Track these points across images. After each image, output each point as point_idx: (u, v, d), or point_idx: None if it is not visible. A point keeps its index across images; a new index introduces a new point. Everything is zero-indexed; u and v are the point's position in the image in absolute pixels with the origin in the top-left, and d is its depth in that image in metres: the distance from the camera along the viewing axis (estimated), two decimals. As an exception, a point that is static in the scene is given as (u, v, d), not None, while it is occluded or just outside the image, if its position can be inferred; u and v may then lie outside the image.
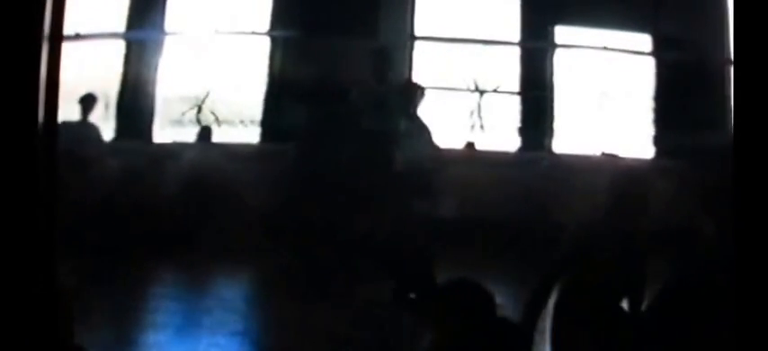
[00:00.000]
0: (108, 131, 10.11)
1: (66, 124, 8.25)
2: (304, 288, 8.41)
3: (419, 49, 10.70)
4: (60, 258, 2.95)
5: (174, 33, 10.46)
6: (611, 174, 10.31)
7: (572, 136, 10.73)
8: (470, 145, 10.61)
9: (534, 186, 10.30)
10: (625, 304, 5.32)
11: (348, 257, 9.02)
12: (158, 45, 10.37)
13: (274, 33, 10.52)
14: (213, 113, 10.34)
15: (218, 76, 10.43)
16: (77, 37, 9.91)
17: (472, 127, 10.63)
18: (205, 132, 10.29)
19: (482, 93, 10.64)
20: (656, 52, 10.78)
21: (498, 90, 10.69)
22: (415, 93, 9.47)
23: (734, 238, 2.86)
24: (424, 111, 9.63)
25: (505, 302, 9.08)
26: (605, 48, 10.76)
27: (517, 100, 10.72)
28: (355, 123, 9.47)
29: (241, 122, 10.48)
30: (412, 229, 9.62)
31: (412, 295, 8.43)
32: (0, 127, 2.79)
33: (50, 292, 2.94)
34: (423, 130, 9.51)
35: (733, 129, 2.88)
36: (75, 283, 7.33)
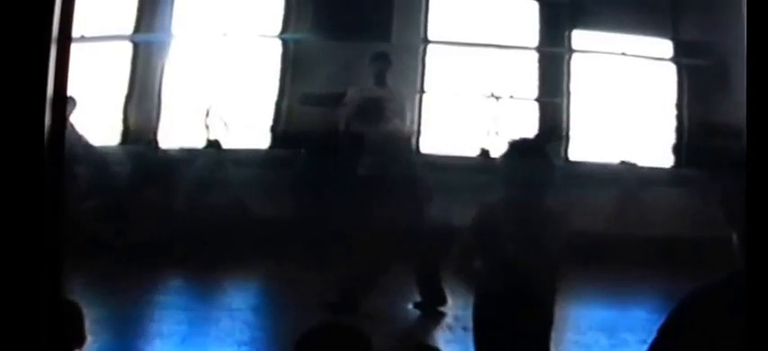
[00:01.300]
0: (115, 136, 10.05)
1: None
2: (313, 296, 8.33)
3: (433, 54, 10.62)
4: (66, 265, 2.89)
5: (182, 36, 10.39)
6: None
7: (589, 143, 10.64)
8: (485, 152, 10.50)
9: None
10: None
11: (358, 265, 8.97)
12: (166, 48, 10.31)
13: (285, 37, 10.44)
14: (222, 118, 10.27)
15: (228, 80, 10.36)
16: (83, 39, 9.83)
17: (487, 133, 10.53)
18: (213, 137, 10.22)
19: (497, 98, 10.54)
20: (675, 58, 10.69)
21: (514, 96, 10.60)
22: (385, 63, 9.51)
23: (746, 246, 2.81)
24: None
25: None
26: (623, 53, 10.66)
27: (533, 106, 10.62)
28: (355, 129, 9.49)
29: (250, 127, 10.41)
30: (425, 237, 9.56)
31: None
32: (7, 130, 2.74)
33: (56, 300, 2.89)
34: (397, 100, 9.54)
35: (746, 134, 2.82)
36: (81, 291, 7.26)
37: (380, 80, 9.59)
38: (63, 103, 2.79)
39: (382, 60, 9.59)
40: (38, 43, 2.72)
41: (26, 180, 2.74)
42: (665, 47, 10.72)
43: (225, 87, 10.35)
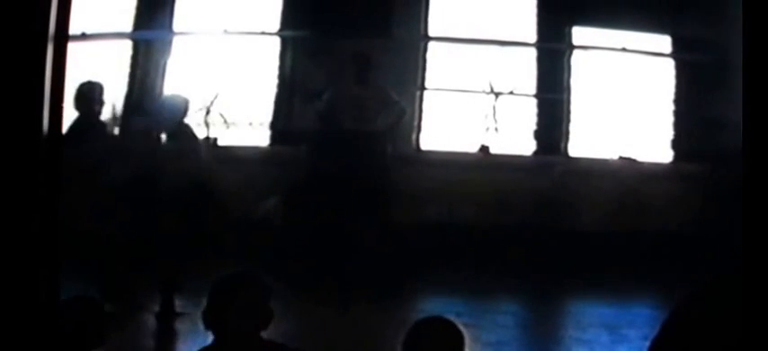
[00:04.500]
0: (115, 133, 9.99)
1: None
2: (315, 294, 8.32)
3: (433, 50, 10.59)
4: (64, 263, 2.88)
5: (182, 33, 10.35)
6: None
7: (589, 139, 10.62)
8: (485, 148, 10.49)
9: (549, 191, 10.20)
10: None
11: (357, 265, 8.97)
12: (166, 45, 10.27)
13: (285, 34, 10.41)
14: (221, 115, 10.24)
15: (227, 78, 10.33)
16: (83, 37, 9.81)
17: (487, 129, 10.51)
18: (213, 135, 10.18)
19: (497, 95, 10.52)
20: (675, 53, 10.66)
21: (514, 92, 10.57)
22: (365, 62, 9.57)
23: (742, 241, 2.81)
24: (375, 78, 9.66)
25: (518, 309, 9.07)
26: (624, 49, 10.63)
27: (533, 102, 10.59)
28: (335, 125, 9.53)
29: (250, 124, 10.38)
30: (424, 235, 9.57)
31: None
32: (4, 129, 2.72)
33: (52, 298, 2.88)
34: (381, 99, 9.59)
35: (743, 130, 2.82)
36: (79, 290, 7.25)
37: (362, 79, 9.62)
38: (60, 101, 2.77)
39: (361, 60, 9.62)
40: (34, 41, 2.71)
41: (23, 179, 2.73)
42: (664, 43, 10.69)
43: (225, 85, 10.32)
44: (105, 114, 8.49)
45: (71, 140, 7.44)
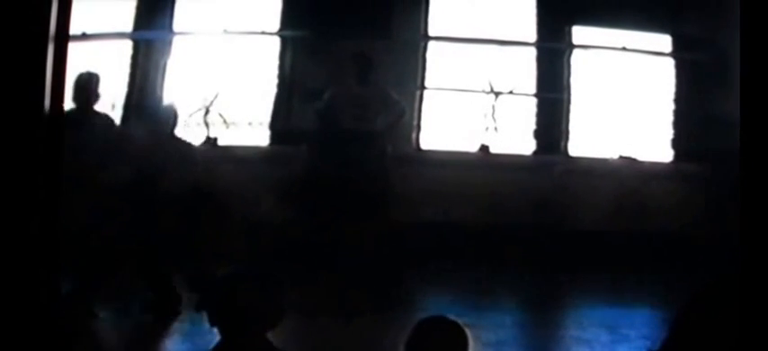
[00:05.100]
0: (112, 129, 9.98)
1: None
2: (314, 294, 8.32)
3: (433, 50, 10.58)
4: (64, 262, 2.87)
5: (182, 33, 10.34)
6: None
7: (588, 138, 10.61)
8: (484, 148, 10.49)
9: (549, 190, 10.20)
10: None
11: (356, 264, 8.98)
12: (166, 45, 10.26)
13: (284, 34, 10.40)
14: (221, 115, 10.23)
15: (227, 78, 10.32)
16: (84, 37, 9.80)
17: (486, 129, 10.51)
18: (212, 135, 10.17)
19: (497, 94, 10.51)
20: (675, 53, 10.66)
21: (514, 92, 10.57)
22: (365, 63, 9.60)
23: (739, 239, 2.79)
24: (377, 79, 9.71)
25: (518, 309, 9.07)
26: (624, 49, 10.63)
27: (533, 102, 10.58)
28: (335, 125, 9.54)
29: (249, 125, 10.37)
30: (424, 235, 9.58)
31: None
32: (4, 128, 2.72)
33: (53, 296, 2.87)
34: (381, 99, 9.65)
35: (741, 130, 2.81)
36: (79, 288, 7.26)
37: (362, 79, 9.64)
38: (61, 101, 2.77)
39: (362, 60, 9.63)
40: (35, 41, 2.70)
41: (24, 177, 2.72)
42: (664, 42, 10.69)
43: (225, 85, 10.31)
44: (103, 108, 8.48)
45: (68, 132, 7.41)
